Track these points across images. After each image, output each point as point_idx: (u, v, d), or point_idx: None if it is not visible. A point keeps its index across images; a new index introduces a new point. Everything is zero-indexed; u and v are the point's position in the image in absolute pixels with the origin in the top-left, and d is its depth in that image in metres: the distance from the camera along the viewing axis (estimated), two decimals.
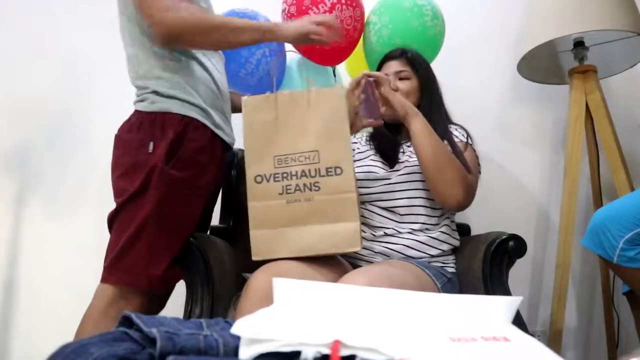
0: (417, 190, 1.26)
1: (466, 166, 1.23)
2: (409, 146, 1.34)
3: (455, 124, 1.38)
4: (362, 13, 1.60)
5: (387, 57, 1.42)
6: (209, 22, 1.16)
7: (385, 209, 1.29)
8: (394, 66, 1.39)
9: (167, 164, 1.14)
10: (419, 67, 1.38)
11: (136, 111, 1.21)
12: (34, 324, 1.97)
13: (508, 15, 2.01)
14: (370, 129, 1.43)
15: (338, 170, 1.11)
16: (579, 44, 1.69)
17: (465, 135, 1.33)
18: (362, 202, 1.32)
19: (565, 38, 1.66)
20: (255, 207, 1.14)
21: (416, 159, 1.25)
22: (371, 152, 1.38)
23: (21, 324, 1.99)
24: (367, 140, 1.44)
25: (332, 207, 1.10)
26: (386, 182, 1.29)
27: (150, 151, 1.15)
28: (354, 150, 1.42)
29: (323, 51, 1.60)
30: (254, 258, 1.13)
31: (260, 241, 1.13)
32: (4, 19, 2.22)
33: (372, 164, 1.34)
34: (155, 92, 1.19)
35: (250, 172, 1.15)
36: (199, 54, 1.26)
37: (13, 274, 2.02)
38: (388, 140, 1.37)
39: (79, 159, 2.09)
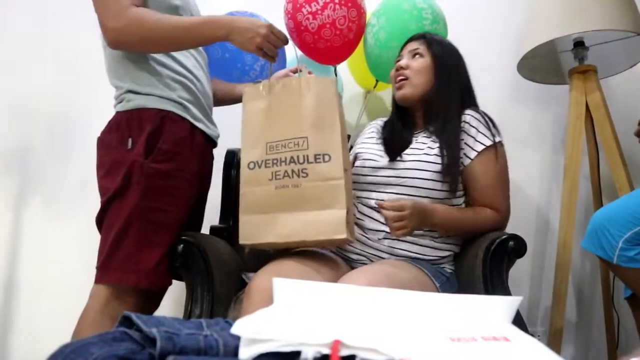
0: (418, 189, 1.21)
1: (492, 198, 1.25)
2: (418, 140, 1.30)
3: (480, 112, 1.31)
4: (360, 14, 1.59)
5: (406, 41, 1.41)
6: (152, 33, 1.13)
7: (370, 200, 1.25)
8: (410, 46, 1.37)
9: (146, 158, 1.14)
10: (435, 47, 1.34)
11: (116, 112, 1.22)
12: (34, 324, 1.97)
13: (508, 15, 2.01)
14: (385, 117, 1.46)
15: (326, 157, 1.11)
16: (579, 44, 1.69)
17: (491, 133, 1.26)
18: (361, 197, 1.29)
19: (565, 38, 1.66)
20: (246, 192, 1.16)
21: (423, 154, 1.24)
22: (379, 140, 1.35)
23: (21, 324, 1.98)
24: (381, 127, 1.42)
25: (319, 194, 1.10)
26: (386, 173, 1.25)
27: (129, 147, 1.15)
28: (363, 133, 1.43)
29: (323, 50, 1.60)
30: (240, 242, 1.15)
31: (248, 226, 1.15)
32: (4, 19, 2.22)
33: (376, 152, 1.31)
34: (131, 91, 1.20)
35: (244, 159, 1.17)
36: (176, 53, 1.25)
37: (13, 274, 2.02)
38: (398, 134, 1.34)
39: (79, 159, 2.09)
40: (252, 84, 1.23)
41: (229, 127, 1.44)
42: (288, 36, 1.22)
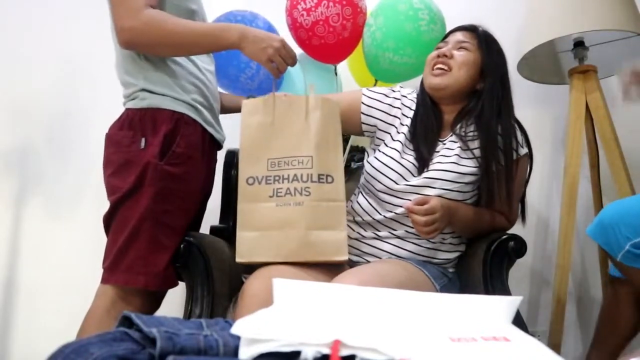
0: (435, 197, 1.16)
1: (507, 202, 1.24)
2: (445, 145, 1.23)
3: (512, 123, 1.25)
4: (356, 12, 1.58)
5: (456, 28, 1.32)
6: (167, 36, 1.12)
7: (395, 206, 1.21)
8: (458, 36, 1.28)
9: (161, 160, 1.13)
10: (486, 46, 1.24)
11: (126, 109, 1.21)
12: (34, 324, 1.97)
13: (508, 15, 2.00)
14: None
15: (329, 179, 1.11)
16: (579, 44, 1.69)
17: (519, 146, 1.24)
18: (372, 193, 1.25)
19: (565, 38, 1.66)
20: (244, 208, 1.14)
21: (451, 163, 1.19)
22: (407, 141, 1.25)
23: (21, 324, 1.98)
24: (411, 121, 1.27)
25: (321, 214, 1.09)
26: (405, 180, 1.21)
27: (142, 147, 1.14)
28: (397, 110, 1.30)
29: (318, 47, 1.60)
30: (237, 260, 1.12)
31: (245, 243, 1.12)
32: (4, 19, 2.22)
33: (399, 155, 1.23)
34: (145, 90, 1.19)
35: (243, 174, 1.15)
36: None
37: (13, 274, 2.02)
38: (425, 140, 1.23)
39: (79, 159, 2.09)
40: (252, 98, 1.22)
41: (228, 128, 1.44)
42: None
